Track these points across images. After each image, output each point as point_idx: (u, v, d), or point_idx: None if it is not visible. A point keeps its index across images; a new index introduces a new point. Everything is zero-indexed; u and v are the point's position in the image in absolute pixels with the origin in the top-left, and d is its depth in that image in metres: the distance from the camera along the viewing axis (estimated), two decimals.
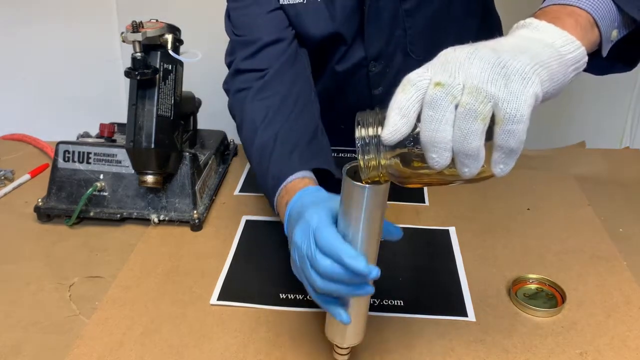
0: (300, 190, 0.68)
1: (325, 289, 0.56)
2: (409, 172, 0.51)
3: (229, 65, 0.91)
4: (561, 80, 0.49)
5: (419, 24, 0.95)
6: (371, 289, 0.56)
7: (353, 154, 1.14)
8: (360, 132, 0.50)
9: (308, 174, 0.75)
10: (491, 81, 0.45)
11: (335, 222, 0.57)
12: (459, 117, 0.45)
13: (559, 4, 0.55)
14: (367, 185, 0.52)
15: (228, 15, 0.92)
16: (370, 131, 0.50)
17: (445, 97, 0.45)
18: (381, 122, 0.49)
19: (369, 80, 1.00)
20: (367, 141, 0.50)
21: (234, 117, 0.89)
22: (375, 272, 0.53)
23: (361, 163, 0.51)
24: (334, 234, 0.55)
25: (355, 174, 0.54)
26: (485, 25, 1.04)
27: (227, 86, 0.90)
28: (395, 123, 0.47)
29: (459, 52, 0.47)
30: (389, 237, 0.59)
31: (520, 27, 0.52)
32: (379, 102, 1.07)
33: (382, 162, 0.50)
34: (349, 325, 0.59)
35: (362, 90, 1.02)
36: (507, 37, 0.51)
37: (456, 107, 0.45)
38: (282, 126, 0.81)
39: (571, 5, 0.54)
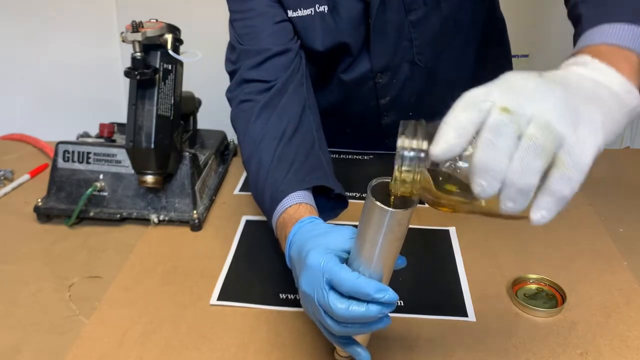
0: (297, 223, 0.67)
1: (344, 332, 0.56)
2: (442, 194, 0.48)
3: (231, 72, 0.90)
4: (618, 133, 0.47)
5: (425, 34, 0.95)
6: (389, 320, 0.56)
7: (356, 156, 1.14)
8: (404, 142, 0.47)
9: (304, 198, 0.74)
10: (564, 122, 0.42)
11: (339, 258, 0.57)
12: (522, 149, 0.42)
13: (608, 45, 0.53)
14: (389, 209, 0.50)
15: (231, 24, 0.91)
16: (415, 143, 0.46)
17: (511, 124, 0.42)
18: (428, 137, 0.46)
19: (376, 91, 1.01)
20: (410, 153, 0.46)
21: (235, 130, 0.87)
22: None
23: (397, 174, 0.47)
24: (350, 273, 0.54)
25: (379, 193, 0.51)
26: (490, 28, 1.05)
27: (231, 95, 0.88)
28: (449, 140, 0.44)
29: (525, 80, 0.45)
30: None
31: (579, 64, 0.50)
32: (386, 111, 1.07)
33: (419, 177, 0.47)
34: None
35: (370, 100, 1.03)
36: (570, 74, 0.48)
37: (518, 138, 0.43)
38: (278, 145, 0.80)
39: (623, 47, 0.52)
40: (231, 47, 0.91)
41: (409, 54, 0.96)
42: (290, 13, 0.90)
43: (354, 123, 1.10)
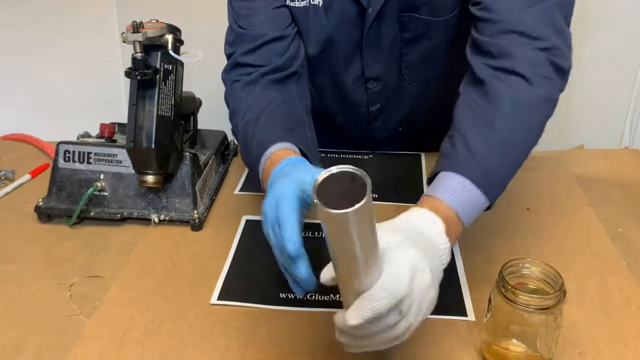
0: (285, 159, 0.70)
1: (281, 258, 0.62)
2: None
3: (229, 55, 0.92)
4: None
5: (415, 53, 0.97)
6: (300, 292, 0.62)
7: (356, 155, 1.14)
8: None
9: (292, 146, 0.75)
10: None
11: (302, 194, 0.60)
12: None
13: (454, 211, 0.66)
14: (347, 210, 0.44)
15: (230, 2, 0.92)
16: None
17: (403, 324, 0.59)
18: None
19: (367, 97, 1.02)
20: None
21: (227, 105, 0.90)
22: (310, 282, 0.59)
23: None
24: (290, 208, 0.58)
25: (330, 190, 0.46)
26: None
27: (226, 77, 0.91)
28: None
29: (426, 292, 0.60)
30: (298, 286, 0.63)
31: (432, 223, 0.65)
32: (375, 118, 1.09)
33: None
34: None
35: (361, 106, 1.04)
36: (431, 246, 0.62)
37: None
38: (267, 107, 0.82)
39: (459, 217, 0.66)
40: (230, 29, 0.93)
41: (398, 65, 0.98)
42: (287, 1, 0.91)
43: (344, 126, 1.11)
